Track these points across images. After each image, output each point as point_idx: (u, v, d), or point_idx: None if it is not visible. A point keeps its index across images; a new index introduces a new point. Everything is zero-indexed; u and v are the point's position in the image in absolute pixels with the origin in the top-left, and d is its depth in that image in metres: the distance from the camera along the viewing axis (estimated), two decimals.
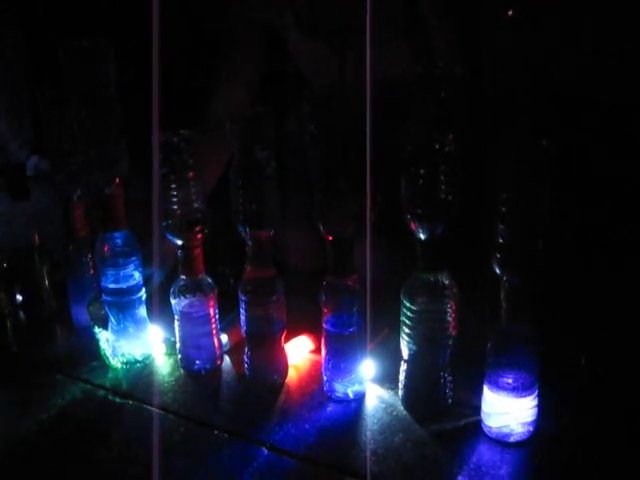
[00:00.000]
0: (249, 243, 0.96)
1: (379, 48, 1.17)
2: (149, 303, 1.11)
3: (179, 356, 1.08)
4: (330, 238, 0.90)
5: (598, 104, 1.21)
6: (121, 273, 1.07)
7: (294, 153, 1.12)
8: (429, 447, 0.88)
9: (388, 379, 1.00)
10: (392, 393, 0.98)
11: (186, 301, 1.03)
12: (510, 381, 0.85)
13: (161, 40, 0.76)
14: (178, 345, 1.07)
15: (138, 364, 1.10)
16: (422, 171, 0.82)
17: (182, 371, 1.07)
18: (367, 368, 0.99)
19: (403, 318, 0.90)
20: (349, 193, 0.87)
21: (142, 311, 1.11)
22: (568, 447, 0.86)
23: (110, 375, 1.08)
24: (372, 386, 1.00)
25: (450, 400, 0.94)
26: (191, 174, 0.96)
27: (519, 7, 1.22)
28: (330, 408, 0.97)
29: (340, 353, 0.95)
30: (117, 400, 1.02)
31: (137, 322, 1.10)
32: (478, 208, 0.89)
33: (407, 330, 0.90)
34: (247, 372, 1.04)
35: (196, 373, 1.07)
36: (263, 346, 1.02)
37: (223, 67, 1.39)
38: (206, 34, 1.48)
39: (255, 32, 1.37)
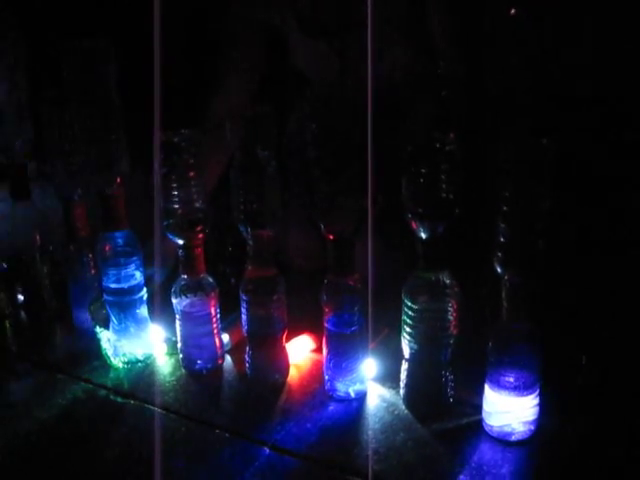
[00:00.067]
0: (250, 243, 0.96)
1: (379, 48, 1.17)
2: (150, 303, 1.12)
3: (180, 356, 1.08)
4: (331, 237, 0.90)
5: (598, 104, 1.20)
6: (122, 273, 1.07)
7: (294, 153, 1.13)
8: (430, 446, 0.88)
9: (389, 378, 1.00)
10: (393, 392, 0.98)
11: (187, 301, 1.03)
12: (511, 380, 0.85)
13: (161, 40, 0.77)
14: (179, 345, 1.07)
15: (139, 364, 1.10)
16: (423, 170, 0.82)
17: (183, 371, 1.07)
18: (368, 367, 0.99)
19: (404, 317, 0.91)
20: (350, 192, 0.87)
21: (143, 311, 1.11)
22: (569, 446, 0.86)
23: (111, 375, 1.08)
24: (373, 385, 1.00)
25: (451, 399, 0.94)
26: (192, 174, 0.96)
27: (519, 7, 1.22)
28: (331, 407, 0.97)
29: (341, 352, 0.96)
30: (118, 400, 1.02)
31: (138, 322, 1.10)
32: (479, 207, 0.89)
33: (408, 329, 0.90)
34: (248, 371, 1.04)
35: (197, 373, 1.07)
36: (264, 345, 1.02)
37: (223, 67, 1.39)
38: (206, 34, 1.48)
39: (255, 32, 1.37)
